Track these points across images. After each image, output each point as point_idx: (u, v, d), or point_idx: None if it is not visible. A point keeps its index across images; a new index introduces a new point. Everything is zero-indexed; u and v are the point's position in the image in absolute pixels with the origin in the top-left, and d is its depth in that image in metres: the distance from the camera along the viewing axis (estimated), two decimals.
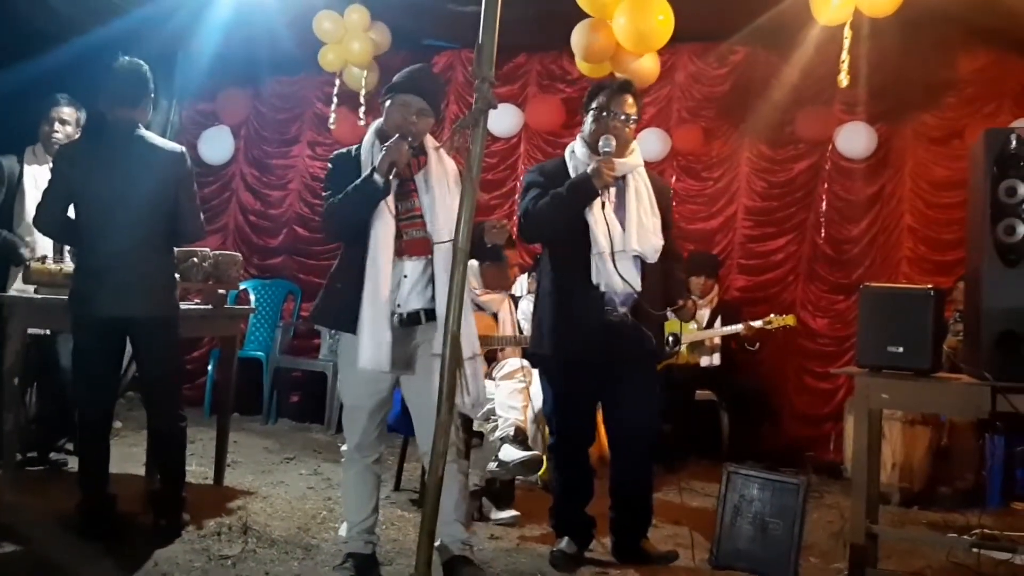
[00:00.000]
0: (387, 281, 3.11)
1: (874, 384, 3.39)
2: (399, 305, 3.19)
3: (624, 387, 3.61)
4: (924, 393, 3.41)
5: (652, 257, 3.55)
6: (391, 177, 3.11)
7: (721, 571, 3.57)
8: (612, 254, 3.46)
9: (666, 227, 3.66)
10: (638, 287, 3.50)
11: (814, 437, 5.98)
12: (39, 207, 3.65)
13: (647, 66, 5.30)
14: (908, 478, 5.01)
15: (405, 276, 3.18)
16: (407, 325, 3.19)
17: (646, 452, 3.71)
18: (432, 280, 3.18)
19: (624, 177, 3.58)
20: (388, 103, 3.28)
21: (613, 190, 3.57)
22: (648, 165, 5.84)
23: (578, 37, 5.18)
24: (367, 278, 3.11)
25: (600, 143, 3.52)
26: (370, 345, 3.08)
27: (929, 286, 3.42)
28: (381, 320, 3.09)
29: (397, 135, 3.16)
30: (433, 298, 3.17)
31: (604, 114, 3.58)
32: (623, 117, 3.58)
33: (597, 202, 3.50)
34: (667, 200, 3.79)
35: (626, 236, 3.50)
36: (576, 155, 3.65)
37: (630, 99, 3.61)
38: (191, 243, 3.94)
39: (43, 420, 4.66)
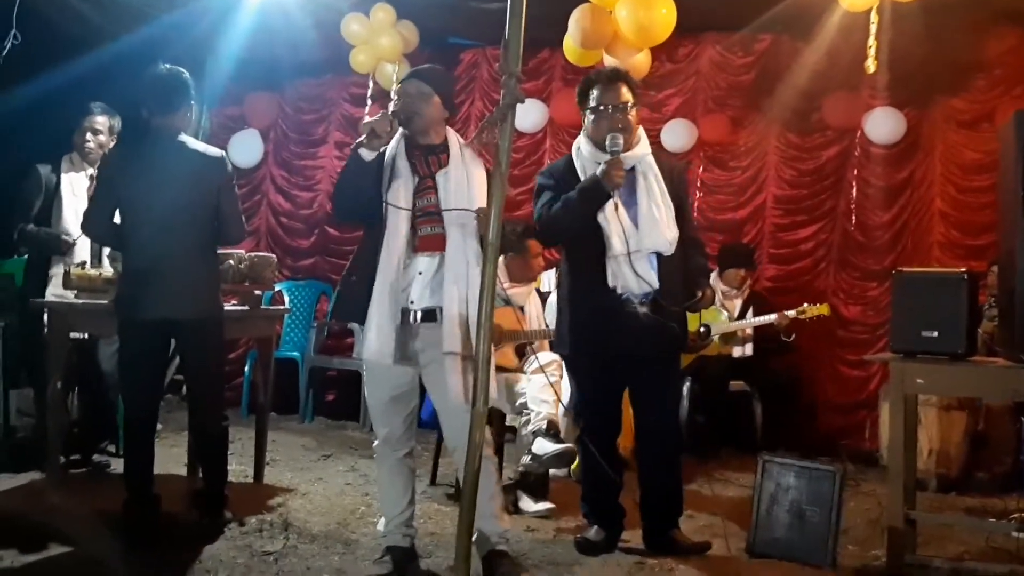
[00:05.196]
0: (397, 275, 3.14)
1: (909, 369, 3.37)
2: (412, 302, 3.20)
3: (651, 380, 3.62)
4: (960, 377, 3.39)
5: (669, 250, 3.51)
6: (371, 146, 3.10)
7: (758, 559, 3.57)
8: (628, 255, 3.45)
9: (681, 211, 3.59)
10: (655, 284, 3.48)
11: (848, 426, 5.95)
12: (86, 213, 3.74)
13: (639, 59, 5.24)
14: (945, 464, 4.98)
15: (420, 273, 3.19)
16: (422, 321, 3.19)
17: (673, 443, 3.71)
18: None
19: (633, 169, 3.52)
20: (394, 96, 3.34)
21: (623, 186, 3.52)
22: (676, 155, 5.91)
23: (576, 21, 5.07)
24: (379, 271, 3.14)
25: (607, 142, 3.45)
26: (375, 337, 3.12)
27: (963, 269, 3.40)
28: (387, 313, 3.12)
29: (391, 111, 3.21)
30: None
31: (603, 108, 3.53)
32: (624, 108, 3.53)
33: (609, 203, 3.47)
34: (681, 181, 3.70)
35: (639, 235, 3.47)
36: (583, 153, 3.61)
37: (624, 87, 3.56)
38: (234, 245, 4.01)
39: (85, 423, 4.76)
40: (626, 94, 3.55)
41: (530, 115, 6.46)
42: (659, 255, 3.50)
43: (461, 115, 6.54)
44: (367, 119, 3.19)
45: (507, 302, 4.63)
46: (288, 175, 7.36)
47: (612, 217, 3.47)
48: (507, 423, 4.44)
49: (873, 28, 4.82)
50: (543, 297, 5.25)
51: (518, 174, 6.61)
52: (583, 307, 3.57)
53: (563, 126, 6.61)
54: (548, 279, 5.78)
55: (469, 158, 3.30)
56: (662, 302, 3.49)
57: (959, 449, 5.01)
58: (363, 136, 3.12)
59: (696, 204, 6.26)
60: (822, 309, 5.42)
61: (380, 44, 5.92)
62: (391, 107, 3.25)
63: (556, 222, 3.54)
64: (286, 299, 6.64)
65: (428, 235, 3.21)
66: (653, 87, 6.33)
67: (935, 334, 3.28)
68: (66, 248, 4.48)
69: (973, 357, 3.39)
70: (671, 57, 6.38)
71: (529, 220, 4.24)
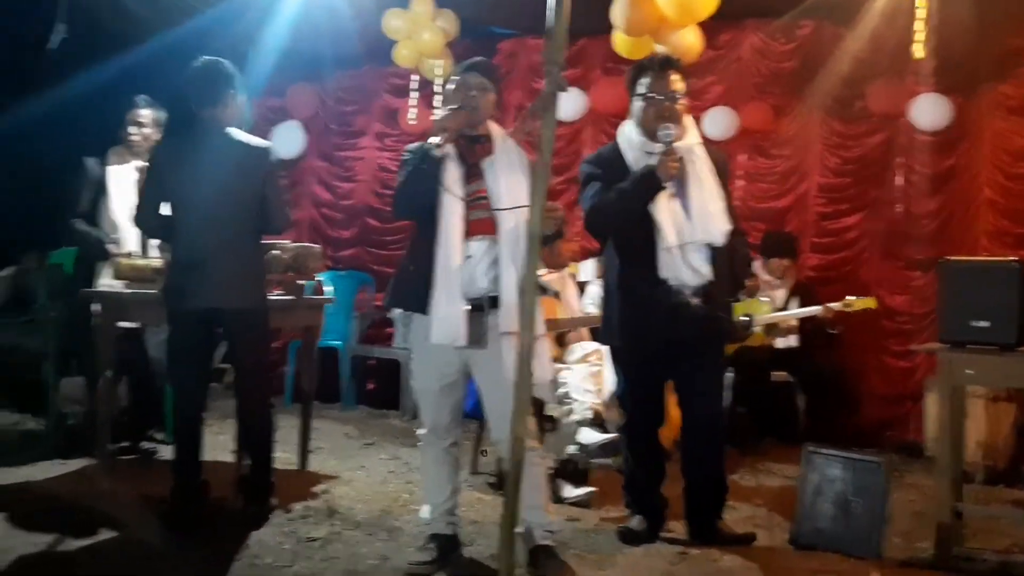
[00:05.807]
0: (458, 257, 3.15)
1: (958, 360, 3.33)
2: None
3: (696, 371, 3.59)
4: (1010, 368, 3.34)
5: (721, 242, 3.47)
6: (444, 143, 3.13)
7: (802, 550, 3.54)
8: (682, 247, 3.41)
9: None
10: (709, 276, 3.44)
11: (893, 417, 5.87)
12: (137, 206, 3.81)
13: (690, 40, 5.20)
14: (992, 456, 4.91)
15: (469, 256, 3.20)
16: (472, 310, 3.19)
17: (718, 432, 3.69)
18: (496, 260, 3.19)
19: (681, 159, 3.45)
20: (451, 87, 3.35)
21: None
22: (717, 144, 5.86)
23: (619, 9, 5.07)
24: (438, 256, 3.14)
25: (660, 133, 3.39)
26: (444, 320, 3.12)
27: (1014, 258, 3.34)
28: (455, 295, 3.13)
29: (457, 106, 3.23)
30: (497, 280, 3.18)
31: (653, 96, 3.48)
32: (676, 97, 3.48)
33: (663, 194, 3.42)
34: (725, 171, 3.65)
35: (692, 226, 3.42)
36: (632, 142, 3.55)
37: (676, 76, 3.50)
38: (279, 234, 4.06)
39: (134, 410, 4.84)
40: (678, 83, 3.50)
41: (569, 104, 6.42)
42: (710, 246, 3.46)
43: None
44: (436, 117, 3.19)
45: (543, 290, 4.63)
46: (329, 166, 7.41)
47: (665, 208, 3.42)
48: (546, 413, 4.43)
49: (920, 12, 4.73)
50: (581, 287, 5.25)
51: (557, 163, 6.56)
52: (634, 298, 3.52)
53: (603, 115, 6.57)
54: (588, 267, 5.77)
55: (511, 146, 3.33)
56: (714, 293, 3.47)
57: (1007, 441, 4.94)
58: (437, 136, 3.12)
59: (738, 192, 6.21)
60: (868, 302, 5.27)
61: (422, 39, 5.95)
62: (445, 99, 3.26)
63: (607, 213, 3.48)
64: (326, 289, 6.68)
65: (478, 219, 3.22)
66: (694, 74, 6.24)
67: (986, 324, 3.23)
68: (109, 255, 4.54)
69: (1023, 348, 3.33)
70: (712, 44, 6.28)
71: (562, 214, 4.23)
